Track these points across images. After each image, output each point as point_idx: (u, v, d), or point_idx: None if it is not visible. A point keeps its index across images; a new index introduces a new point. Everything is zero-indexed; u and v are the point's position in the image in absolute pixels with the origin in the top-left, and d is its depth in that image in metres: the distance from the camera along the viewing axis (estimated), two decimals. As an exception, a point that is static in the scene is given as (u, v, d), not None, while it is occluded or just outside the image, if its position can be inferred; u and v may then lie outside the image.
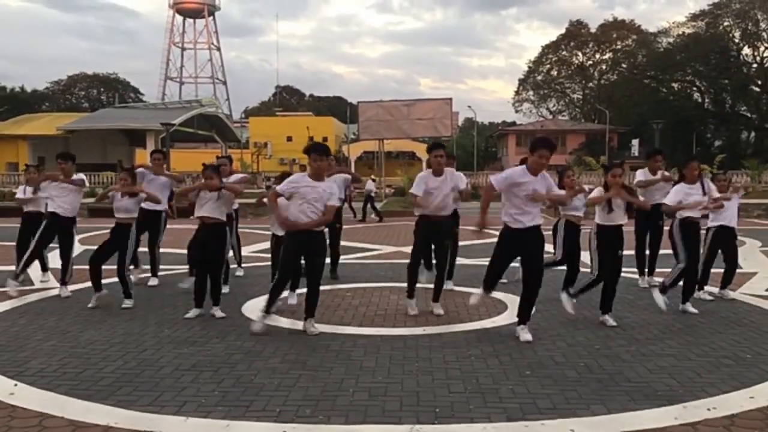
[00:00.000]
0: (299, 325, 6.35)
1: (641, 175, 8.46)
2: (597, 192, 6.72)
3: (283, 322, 6.52)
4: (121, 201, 7.34)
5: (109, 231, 7.50)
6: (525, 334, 5.88)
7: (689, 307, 7.04)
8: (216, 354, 5.46)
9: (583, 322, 6.53)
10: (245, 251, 10.37)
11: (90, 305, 7.23)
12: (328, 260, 8.82)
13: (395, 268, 10.02)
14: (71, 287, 8.07)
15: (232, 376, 4.88)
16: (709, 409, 4.20)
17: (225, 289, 7.53)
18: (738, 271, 9.01)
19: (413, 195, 6.83)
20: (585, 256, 7.15)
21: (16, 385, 4.66)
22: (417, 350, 5.57)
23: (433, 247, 6.97)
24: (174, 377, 4.85)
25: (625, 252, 6.65)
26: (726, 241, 7.58)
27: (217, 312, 6.81)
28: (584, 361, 5.27)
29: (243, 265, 9.58)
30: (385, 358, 5.35)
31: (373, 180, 25.56)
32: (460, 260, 8.71)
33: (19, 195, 8.96)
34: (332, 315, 6.86)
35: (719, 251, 7.64)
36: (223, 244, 6.93)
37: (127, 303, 7.27)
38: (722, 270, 7.78)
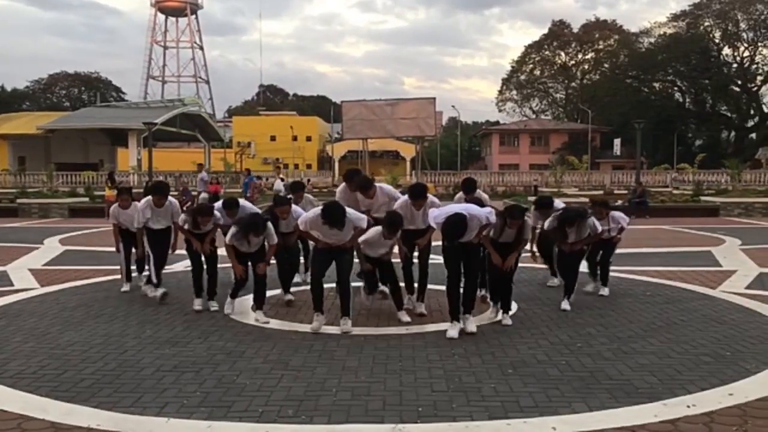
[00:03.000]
0: (281, 325, 6.41)
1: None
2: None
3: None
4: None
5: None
6: (470, 325, 6.14)
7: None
8: (198, 354, 5.43)
9: (565, 321, 6.57)
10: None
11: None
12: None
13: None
14: (49, 289, 8.01)
15: (214, 376, 4.86)
16: (688, 406, 4.23)
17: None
18: (718, 269, 9.52)
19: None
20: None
21: (-6, 387, 4.61)
22: (400, 349, 5.57)
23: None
24: (155, 378, 4.82)
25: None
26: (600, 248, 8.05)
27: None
28: (566, 359, 5.30)
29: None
30: (368, 357, 5.34)
31: (282, 179, 23.20)
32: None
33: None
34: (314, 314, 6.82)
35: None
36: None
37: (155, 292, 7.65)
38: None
